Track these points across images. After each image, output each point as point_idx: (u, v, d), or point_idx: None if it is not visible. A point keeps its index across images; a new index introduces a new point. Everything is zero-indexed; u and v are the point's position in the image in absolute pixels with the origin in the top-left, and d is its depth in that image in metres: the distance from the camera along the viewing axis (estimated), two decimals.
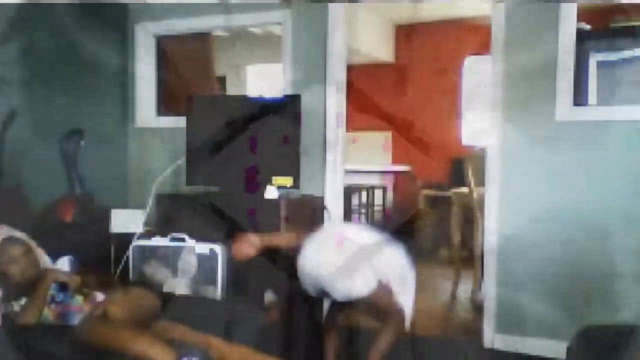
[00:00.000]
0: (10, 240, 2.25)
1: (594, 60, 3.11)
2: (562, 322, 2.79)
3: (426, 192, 5.88)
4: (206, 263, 2.77)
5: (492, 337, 3.02)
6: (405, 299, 2.20)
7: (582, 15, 2.94)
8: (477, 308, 3.36)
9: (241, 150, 3.16)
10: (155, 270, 2.85)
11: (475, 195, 3.76)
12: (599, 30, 3.29)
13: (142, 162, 3.83)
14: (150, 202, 3.23)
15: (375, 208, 5.88)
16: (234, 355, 1.99)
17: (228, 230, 2.83)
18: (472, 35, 5.40)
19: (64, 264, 2.51)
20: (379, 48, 6.22)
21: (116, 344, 1.82)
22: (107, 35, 3.74)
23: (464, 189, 3.99)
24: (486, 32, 3.03)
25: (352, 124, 3.69)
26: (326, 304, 2.55)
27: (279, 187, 3.06)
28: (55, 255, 2.52)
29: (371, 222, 5.89)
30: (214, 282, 2.74)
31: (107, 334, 1.85)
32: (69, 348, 1.85)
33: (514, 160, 2.94)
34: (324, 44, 3.31)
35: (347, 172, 3.51)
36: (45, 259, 2.44)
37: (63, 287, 2.14)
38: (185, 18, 3.71)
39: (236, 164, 3.18)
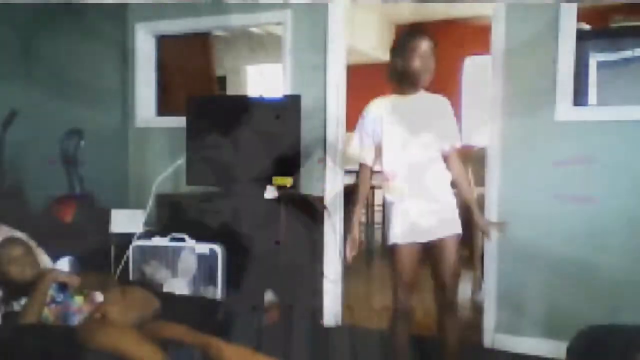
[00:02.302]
0: (10, 240, 2.25)
1: (594, 60, 3.11)
2: (562, 322, 2.79)
3: None
4: (206, 263, 2.78)
5: (492, 337, 3.02)
6: None
7: (582, 15, 2.94)
8: (477, 308, 3.36)
9: (241, 150, 3.17)
10: (155, 270, 2.85)
11: (475, 195, 3.76)
12: (599, 30, 3.28)
13: (142, 162, 3.83)
14: (150, 202, 3.23)
15: (375, 208, 5.88)
16: (234, 355, 1.99)
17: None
18: (472, 35, 5.39)
19: (64, 264, 2.51)
20: (379, 48, 6.22)
21: (109, 345, 1.82)
22: (107, 35, 3.74)
23: None
24: (486, 32, 3.03)
25: (352, 124, 3.68)
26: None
27: (279, 187, 3.06)
28: (55, 256, 2.52)
29: (371, 222, 5.90)
30: (214, 282, 2.75)
31: (102, 335, 1.86)
32: (68, 349, 1.85)
33: (514, 160, 2.94)
34: (324, 44, 3.31)
35: (347, 172, 3.51)
36: (45, 259, 2.44)
37: (63, 287, 2.14)
38: (185, 18, 3.71)
39: (236, 164, 3.19)
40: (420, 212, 2.25)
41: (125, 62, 3.87)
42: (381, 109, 2.30)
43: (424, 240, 2.26)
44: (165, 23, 3.80)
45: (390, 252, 2.30)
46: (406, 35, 2.27)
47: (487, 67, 3.04)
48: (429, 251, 2.29)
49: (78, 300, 2.13)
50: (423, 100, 2.30)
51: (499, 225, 2.51)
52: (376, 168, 2.37)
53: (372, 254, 5.57)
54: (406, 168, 2.25)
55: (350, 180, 4.28)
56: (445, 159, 2.31)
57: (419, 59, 2.20)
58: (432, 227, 2.25)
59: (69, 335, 1.91)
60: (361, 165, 2.40)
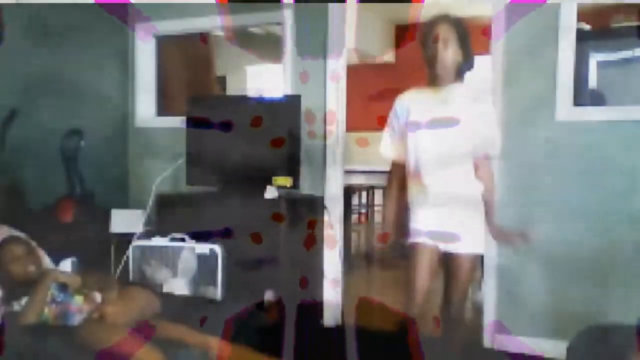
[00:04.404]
0: (11, 239, 2.25)
1: (594, 60, 3.11)
2: (562, 322, 2.79)
3: None
4: (206, 263, 2.77)
5: (492, 337, 3.02)
6: None
7: (582, 15, 2.94)
8: (477, 308, 3.36)
9: (241, 150, 3.17)
10: (155, 270, 2.85)
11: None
12: (599, 30, 3.29)
13: (142, 162, 3.83)
14: (150, 202, 3.23)
15: (375, 208, 5.88)
16: (234, 355, 1.99)
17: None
18: (472, 35, 5.39)
19: (66, 265, 2.51)
20: (379, 48, 6.22)
21: (108, 345, 1.82)
22: (107, 35, 3.74)
23: None
24: (486, 32, 3.03)
25: (351, 124, 3.69)
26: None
27: (279, 187, 3.06)
28: (55, 255, 2.52)
29: (371, 221, 5.90)
30: (214, 282, 2.74)
31: (100, 335, 1.86)
32: (68, 349, 1.85)
33: (514, 161, 2.94)
34: (324, 44, 3.31)
35: (347, 172, 3.51)
36: (45, 259, 2.44)
37: (63, 287, 2.14)
38: (185, 18, 3.70)
39: (236, 164, 3.19)
40: (443, 220, 2.12)
41: (125, 62, 3.88)
42: (409, 101, 2.18)
43: (442, 248, 2.15)
44: (165, 23, 3.80)
45: (407, 252, 2.18)
46: (429, 22, 2.16)
47: (487, 67, 3.04)
48: (445, 261, 2.19)
49: (78, 300, 2.13)
50: (457, 95, 2.15)
51: (522, 235, 2.29)
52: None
53: (373, 254, 5.57)
54: (431, 167, 2.11)
55: (350, 180, 4.29)
56: (476, 165, 2.15)
57: (440, 47, 2.08)
58: (454, 240, 2.13)
59: (69, 335, 1.91)
60: (393, 162, 2.27)
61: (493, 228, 2.23)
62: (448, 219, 2.13)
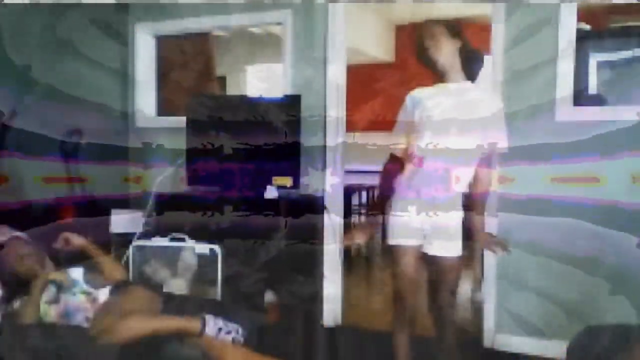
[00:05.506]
0: (15, 239, 2.26)
1: (594, 60, 3.11)
2: (562, 322, 2.79)
3: None
4: (206, 263, 2.78)
5: (492, 337, 3.02)
6: None
7: (582, 15, 2.94)
8: (477, 308, 3.36)
9: (241, 150, 3.17)
10: (155, 270, 2.85)
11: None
12: (599, 30, 3.28)
13: (142, 161, 3.83)
14: (150, 202, 3.23)
15: None
16: (233, 355, 1.99)
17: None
18: (472, 35, 5.39)
19: (76, 273, 2.51)
20: (379, 48, 6.23)
21: (146, 329, 1.84)
22: (107, 35, 3.74)
23: None
24: (486, 32, 3.03)
25: (351, 124, 3.69)
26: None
27: (279, 187, 3.06)
28: (55, 255, 2.52)
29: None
30: (214, 282, 2.74)
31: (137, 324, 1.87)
32: (72, 347, 1.86)
33: (513, 161, 2.93)
34: (323, 44, 3.31)
35: (347, 172, 3.51)
36: (46, 260, 2.44)
37: (64, 286, 2.15)
38: (185, 18, 3.70)
39: (236, 164, 3.19)
40: (423, 219, 2.15)
41: (125, 62, 3.87)
42: (421, 94, 2.19)
43: (420, 245, 2.18)
44: (165, 23, 3.79)
45: (390, 252, 2.22)
46: (421, 24, 2.20)
47: (487, 67, 3.04)
48: (427, 262, 2.22)
49: (80, 298, 2.13)
50: (465, 92, 2.16)
51: (501, 243, 2.28)
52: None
53: (372, 253, 5.57)
54: (430, 159, 2.12)
55: (350, 180, 4.27)
56: (480, 166, 2.18)
57: (430, 46, 2.12)
58: (432, 242, 2.17)
59: (71, 333, 1.92)
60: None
61: (478, 232, 2.25)
62: (428, 220, 2.15)
